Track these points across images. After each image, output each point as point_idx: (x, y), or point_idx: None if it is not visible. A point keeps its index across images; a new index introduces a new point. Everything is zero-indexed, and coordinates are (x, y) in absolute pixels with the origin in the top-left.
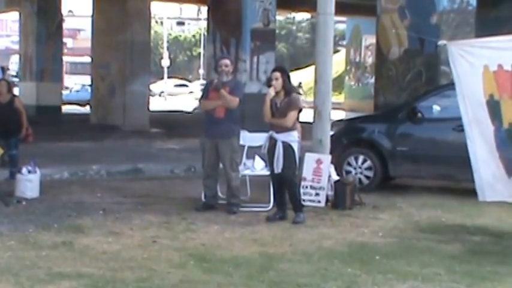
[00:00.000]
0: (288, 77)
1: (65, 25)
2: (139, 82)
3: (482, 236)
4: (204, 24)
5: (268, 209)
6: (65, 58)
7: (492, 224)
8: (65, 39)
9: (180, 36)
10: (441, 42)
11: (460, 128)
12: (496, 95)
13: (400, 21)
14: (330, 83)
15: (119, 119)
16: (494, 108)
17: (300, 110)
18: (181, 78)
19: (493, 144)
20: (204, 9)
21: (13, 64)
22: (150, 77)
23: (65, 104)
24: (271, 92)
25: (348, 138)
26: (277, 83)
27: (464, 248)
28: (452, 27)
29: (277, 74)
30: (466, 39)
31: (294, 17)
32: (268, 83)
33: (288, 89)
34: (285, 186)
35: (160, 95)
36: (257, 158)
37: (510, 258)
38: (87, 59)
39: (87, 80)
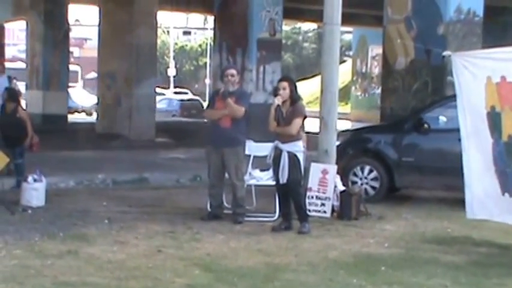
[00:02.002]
0: (295, 86)
1: (71, 34)
2: (145, 85)
3: (488, 247)
4: (210, 33)
5: (273, 219)
6: None
7: (498, 235)
8: (71, 48)
9: (186, 45)
10: (446, 52)
11: None
12: (498, 107)
13: (407, 32)
14: (336, 93)
15: (125, 128)
16: (495, 120)
17: (305, 118)
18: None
19: (490, 158)
20: (211, 18)
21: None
22: (156, 82)
23: None
24: (276, 101)
25: (354, 149)
26: (284, 92)
27: (470, 260)
28: (459, 38)
29: (285, 84)
30: (473, 49)
31: (300, 27)
32: (275, 92)
33: (294, 98)
34: (290, 196)
35: None
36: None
37: None
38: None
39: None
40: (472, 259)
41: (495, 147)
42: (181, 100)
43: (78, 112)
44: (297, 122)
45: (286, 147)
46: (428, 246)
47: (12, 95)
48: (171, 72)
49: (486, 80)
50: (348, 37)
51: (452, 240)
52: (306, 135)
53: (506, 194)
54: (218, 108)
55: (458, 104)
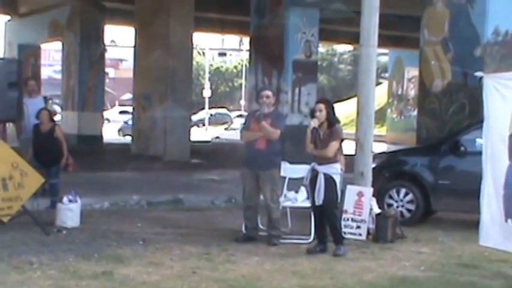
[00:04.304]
0: (333, 109)
1: (107, 55)
2: (180, 107)
3: None
4: (245, 55)
5: (308, 241)
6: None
7: None
8: (107, 69)
9: (222, 67)
10: (478, 73)
11: None
12: None
13: (444, 54)
14: (372, 115)
15: (160, 149)
16: None
17: (342, 141)
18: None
19: (501, 181)
20: (246, 40)
21: None
22: (191, 107)
23: None
24: (312, 123)
25: (389, 171)
26: (321, 114)
27: (508, 284)
28: (496, 60)
29: (322, 106)
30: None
31: (335, 49)
32: (312, 114)
33: (331, 120)
34: (325, 219)
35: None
36: (302, 188)
37: None
38: None
39: None
40: (509, 283)
41: (510, 170)
42: None
43: None
44: (334, 145)
45: (322, 169)
46: (465, 269)
47: (49, 115)
48: (206, 93)
49: None
50: (384, 59)
51: (489, 264)
52: (344, 157)
53: (509, 221)
54: (253, 130)
55: (484, 127)
